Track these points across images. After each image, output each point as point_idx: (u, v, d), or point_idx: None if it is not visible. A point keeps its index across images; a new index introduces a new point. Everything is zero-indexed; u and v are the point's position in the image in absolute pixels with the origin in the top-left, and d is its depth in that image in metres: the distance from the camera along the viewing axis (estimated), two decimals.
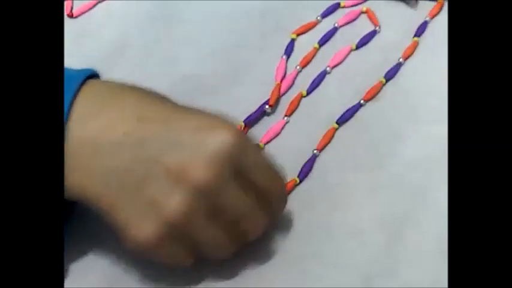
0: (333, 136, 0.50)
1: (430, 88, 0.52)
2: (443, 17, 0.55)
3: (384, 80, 0.52)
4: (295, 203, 0.46)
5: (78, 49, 0.56)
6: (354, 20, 0.56)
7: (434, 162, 0.47)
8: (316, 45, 0.54)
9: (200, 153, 0.39)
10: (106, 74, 0.44)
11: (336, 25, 0.55)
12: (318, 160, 0.49)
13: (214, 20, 0.58)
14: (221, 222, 0.41)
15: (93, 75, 0.43)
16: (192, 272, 0.44)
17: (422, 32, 0.55)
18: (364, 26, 0.56)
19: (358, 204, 0.46)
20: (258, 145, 0.47)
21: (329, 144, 0.49)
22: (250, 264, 0.44)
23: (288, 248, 0.45)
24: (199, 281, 0.44)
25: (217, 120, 0.41)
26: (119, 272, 0.45)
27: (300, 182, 0.47)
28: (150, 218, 0.40)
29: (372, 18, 0.56)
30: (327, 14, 0.56)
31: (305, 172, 0.48)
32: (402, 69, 0.53)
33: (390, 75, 0.52)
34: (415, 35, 0.55)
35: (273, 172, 0.42)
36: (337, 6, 0.57)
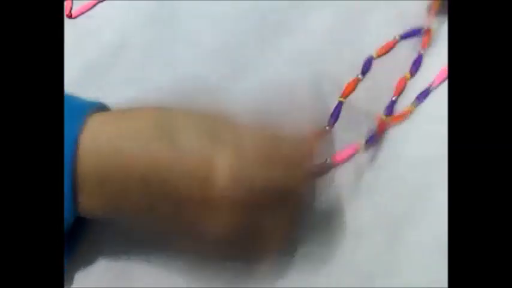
0: None
1: (429, 88, 0.52)
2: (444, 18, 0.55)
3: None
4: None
5: (78, 50, 0.56)
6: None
7: (434, 162, 0.47)
8: None
9: (210, 207, 0.39)
10: (106, 74, 0.45)
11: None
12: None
13: (214, 20, 0.58)
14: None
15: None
16: (192, 272, 0.44)
17: None
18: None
19: (358, 204, 0.46)
20: (277, 161, 0.41)
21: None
22: (250, 264, 0.44)
23: (288, 248, 0.45)
24: (199, 280, 0.44)
25: (219, 161, 0.39)
26: (119, 272, 0.45)
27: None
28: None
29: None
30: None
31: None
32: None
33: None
34: None
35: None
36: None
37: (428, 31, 0.53)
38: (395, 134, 0.49)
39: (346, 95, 0.52)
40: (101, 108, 0.43)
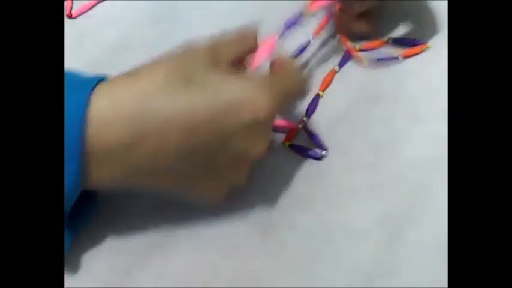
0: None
1: (430, 88, 0.52)
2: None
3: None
4: (295, 203, 0.46)
5: (78, 50, 0.56)
6: None
7: (434, 162, 0.47)
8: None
9: (253, 134, 0.42)
10: (105, 74, 0.44)
11: None
12: (318, 160, 0.49)
13: (214, 20, 0.58)
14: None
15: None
16: (192, 272, 0.44)
17: None
18: None
19: (358, 204, 0.46)
20: (288, 92, 0.46)
21: (329, 144, 0.49)
22: (250, 264, 0.44)
23: (288, 248, 0.45)
24: (199, 281, 0.44)
25: (252, 92, 0.42)
26: (119, 272, 0.45)
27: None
28: (218, 192, 0.44)
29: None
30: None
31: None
32: (402, 68, 0.53)
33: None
34: None
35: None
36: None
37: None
38: (394, 134, 0.49)
39: (324, 88, 0.53)
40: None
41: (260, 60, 0.48)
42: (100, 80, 0.42)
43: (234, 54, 0.45)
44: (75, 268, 0.45)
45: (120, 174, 0.41)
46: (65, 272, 0.44)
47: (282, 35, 0.54)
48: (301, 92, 0.47)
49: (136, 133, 0.40)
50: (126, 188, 0.43)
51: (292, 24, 0.54)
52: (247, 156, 0.43)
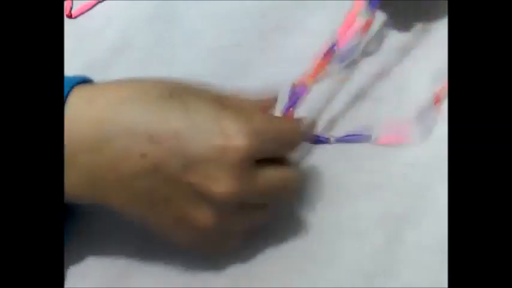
0: None
1: (430, 88, 0.52)
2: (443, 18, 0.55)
3: None
4: (294, 203, 0.46)
5: (78, 50, 0.56)
6: None
7: (434, 162, 0.47)
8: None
9: (218, 166, 0.39)
10: (106, 74, 0.44)
11: None
12: (318, 160, 0.49)
13: (214, 20, 0.58)
14: (255, 207, 0.42)
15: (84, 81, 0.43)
16: (192, 272, 0.44)
17: None
18: None
19: (357, 204, 0.46)
20: (270, 116, 0.44)
21: (329, 144, 0.49)
22: (250, 264, 0.44)
23: (288, 248, 0.45)
24: (199, 281, 0.44)
25: (230, 122, 0.40)
26: (119, 272, 0.45)
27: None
28: (183, 229, 0.41)
29: None
30: None
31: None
32: (402, 68, 0.53)
33: None
34: None
35: (292, 134, 0.43)
36: None
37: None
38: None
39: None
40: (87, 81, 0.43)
41: (345, 40, 0.48)
42: (83, 80, 0.42)
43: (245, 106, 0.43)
44: (74, 268, 0.45)
45: (86, 181, 0.40)
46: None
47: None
48: (295, 143, 0.43)
49: (102, 136, 0.39)
50: (96, 202, 0.41)
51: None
52: (209, 193, 0.39)
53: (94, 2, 0.60)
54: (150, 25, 0.58)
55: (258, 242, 0.45)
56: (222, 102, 0.41)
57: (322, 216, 0.46)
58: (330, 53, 0.48)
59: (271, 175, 0.41)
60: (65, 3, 0.60)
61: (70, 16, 0.59)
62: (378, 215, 0.46)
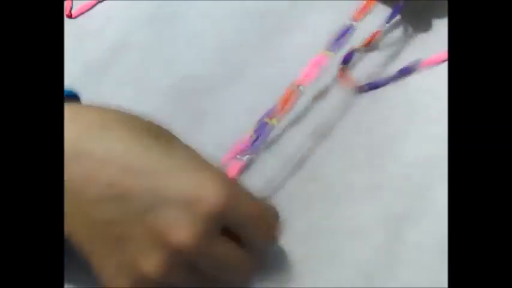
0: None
1: (430, 88, 0.52)
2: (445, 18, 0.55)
3: None
4: (295, 203, 0.46)
5: (78, 50, 0.56)
6: None
7: (434, 162, 0.47)
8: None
9: (186, 214, 0.37)
10: (105, 74, 0.45)
11: None
12: (318, 160, 0.49)
13: (214, 20, 0.58)
14: (202, 274, 0.40)
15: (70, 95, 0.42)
16: None
17: None
18: None
19: (358, 204, 0.46)
20: (249, 193, 0.41)
21: (329, 144, 0.49)
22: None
23: (288, 248, 0.45)
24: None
25: (207, 174, 0.39)
26: None
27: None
28: (125, 274, 0.39)
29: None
30: None
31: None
32: (402, 66, 0.53)
33: None
34: None
35: (265, 221, 0.41)
36: None
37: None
38: (394, 134, 0.49)
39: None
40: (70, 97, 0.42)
41: (310, 79, 0.48)
42: (69, 93, 0.41)
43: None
44: (75, 268, 0.45)
45: None
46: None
47: (331, 48, 0.50)
48: (266, 232, 0.41)
49: (74, 155, 0.38)
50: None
51: (341, 36, 0.51)
52: (165, 241, 0.37)
53: (94, 2, 0.60)
54: (150, 25, 0.58)
55: None
56: (202, 158, 0.40)
57: (321, 216, 0.46)
58: (293, 93, 0.48)
59: (230, 250, 0.39)
60: (65, 3, 0.60)
61: (70, 16, 0.59)
62: (377, 215, 0.46)
